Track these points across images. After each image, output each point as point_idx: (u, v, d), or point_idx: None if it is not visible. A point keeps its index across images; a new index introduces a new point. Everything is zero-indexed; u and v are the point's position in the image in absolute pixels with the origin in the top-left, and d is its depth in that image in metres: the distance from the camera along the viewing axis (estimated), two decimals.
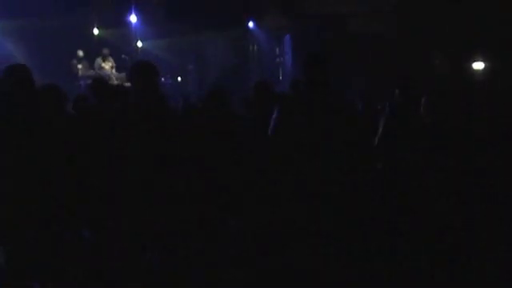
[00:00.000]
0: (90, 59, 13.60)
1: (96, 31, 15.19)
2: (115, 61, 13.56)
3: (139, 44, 15.27)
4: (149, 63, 4.24)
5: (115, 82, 12.64)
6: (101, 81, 5.95)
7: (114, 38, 14.88)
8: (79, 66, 13.42)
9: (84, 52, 13.39)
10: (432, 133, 4.49)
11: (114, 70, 13.36)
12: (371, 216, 4.12)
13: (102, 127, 4.06)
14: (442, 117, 4.52)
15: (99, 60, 13.51)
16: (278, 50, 15.87)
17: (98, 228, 4.05)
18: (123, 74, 12.92)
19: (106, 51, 13.49)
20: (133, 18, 14.85)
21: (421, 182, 4.36)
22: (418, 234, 4.24)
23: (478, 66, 13.12)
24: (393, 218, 4.32)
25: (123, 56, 13.65)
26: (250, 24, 15.77)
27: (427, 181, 4.33)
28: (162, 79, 13.90)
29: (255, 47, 16.04)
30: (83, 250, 4.05)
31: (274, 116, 4.15)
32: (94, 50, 13.98)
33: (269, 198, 4.10)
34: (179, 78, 15.30)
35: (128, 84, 10.61)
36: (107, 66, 13.48)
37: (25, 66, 4.18)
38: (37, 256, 3.78)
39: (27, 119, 3.85)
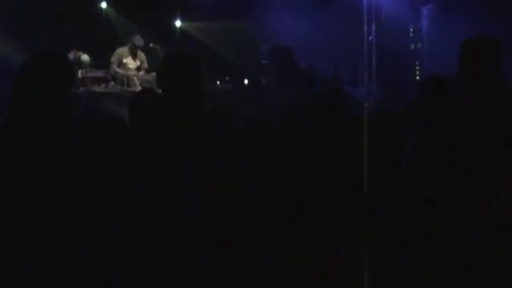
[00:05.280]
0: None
1: (104, 4, 13.45)
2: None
3: (178, 24, 13.94)
4: (191, 56, 3.81)
5: (138, 88, 9.78)
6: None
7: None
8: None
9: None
10: None
11: (142, 73, 10.46)
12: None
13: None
14: None
15: (123, 51, 10.43)
16: (412, 30, 12.50)
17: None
18: (150, 76, 10.04)
19: (137, 40, 10.43)
20: None
21: None
22: None
23: None
24: None
25: (151, 45, 11.17)
26: None
27: None
28: (218, 83, 12.66)
29: (373, 27, 12.21)
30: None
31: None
32: (101, 35, 12.04)
33: None
34: (246, 81, 12.94)
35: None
36: (132, 64, 10.42)
37: None
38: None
39: None
